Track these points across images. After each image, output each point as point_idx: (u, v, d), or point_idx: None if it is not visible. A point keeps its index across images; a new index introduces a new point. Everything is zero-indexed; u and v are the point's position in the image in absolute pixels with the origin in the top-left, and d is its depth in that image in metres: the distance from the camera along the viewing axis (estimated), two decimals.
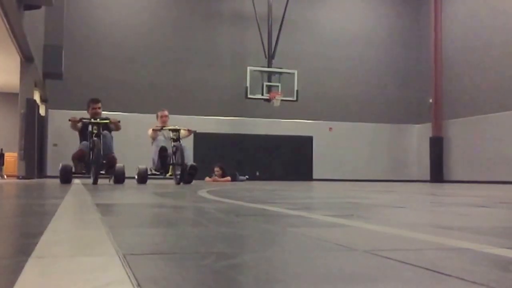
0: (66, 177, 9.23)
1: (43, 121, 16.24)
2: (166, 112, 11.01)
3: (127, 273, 0.94)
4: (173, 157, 10.09)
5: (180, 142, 10.09)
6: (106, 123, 9.17)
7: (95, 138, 8.63)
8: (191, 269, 1.02)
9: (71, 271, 0.99)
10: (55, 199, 3.54)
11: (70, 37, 17.13)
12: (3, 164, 20.02)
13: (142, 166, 10.50)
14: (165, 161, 10.23)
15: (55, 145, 16.80)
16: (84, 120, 9.07)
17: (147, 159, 10.83)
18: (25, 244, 1.37)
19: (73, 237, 1.53)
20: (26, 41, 11.92)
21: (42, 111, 16.44)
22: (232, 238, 1.55)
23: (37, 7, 12.33)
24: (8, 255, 1.27)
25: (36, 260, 1.08)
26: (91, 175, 8.61)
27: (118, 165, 9.35)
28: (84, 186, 6.95)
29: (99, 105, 9.50)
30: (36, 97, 15.15)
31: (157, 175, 10.59)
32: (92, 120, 8.97)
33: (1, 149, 20.33)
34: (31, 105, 13.76)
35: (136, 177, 10.37)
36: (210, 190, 5.55)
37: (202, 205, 3.11)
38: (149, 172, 10.47)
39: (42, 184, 8.65)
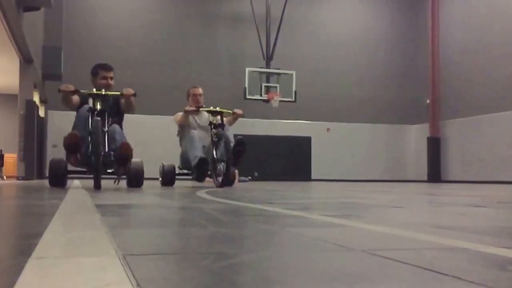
0: (57, 177, 6.62)
1: (42, 122, 16.24)
2: (200, 90, 8.47)
3: (126, 274, 0.95)
4: (214, 150, 7.59)
5: (223, 129, 7.65)
6: (116, 95, 6.41)
7: (97, 118, 5.79)
8: (190, 270, 1.03)
9: (71, 272, 0.99)
10: (54, 200, 3.55)
11: (69, 39, 17.14)
12: (2, 165, 19.98)
13: (168, 164, 8.26)
14: (203, 174, 7.63)
15: (54, 146, 16.76)
16: (82, 91, 6.24)
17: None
18: (25, 245, 1.37)
19: (72, 238, 1.53)
20: (26, 42, 11.92)
21: (41, 112, 16.44)
22: (231, 239, 1.55)
23: (36, 8, 12.32)
24: (8, 256, 1.28)
25: (36, 260, 1.09)
26: (93, 174, 5.77)
27: (134, 160, 6.44)
28: (83, 188, 6.88)
29: (112, 74, 6.72)
30: (36, 98, 15.14)
31: (186, 174, 8.34)
32: (94, 91, 6.16)
33: (1, 150, 20.30)
34: (31, 106, 13.76)
35: (160, 178, 8.26)
36: (208, 191, 5.55)
37: (201, 206, 3.12)
38: (177, 171, 8.30)
39: (41, 185, 8.56)
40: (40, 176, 15.43)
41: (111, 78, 6.64)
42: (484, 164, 17.48)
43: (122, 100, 6.62)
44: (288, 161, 19.48)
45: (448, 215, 2.61)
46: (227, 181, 7.33)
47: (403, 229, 1.82)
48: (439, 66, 19.54)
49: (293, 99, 18.07)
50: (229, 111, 8.21)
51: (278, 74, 18.13)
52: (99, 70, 6.68)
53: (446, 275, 0.98)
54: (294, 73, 18.17)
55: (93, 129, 5.70)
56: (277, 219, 2.28)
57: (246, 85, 17.59)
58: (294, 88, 18.02)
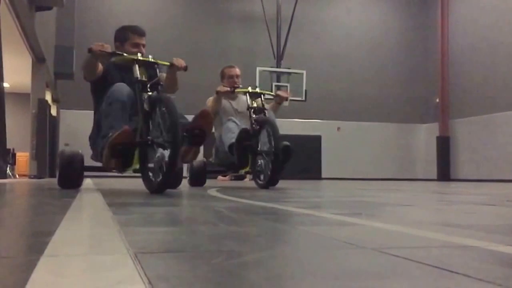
0: (71, 174, 4.96)
1: (54, 121, 16.34)
2: (237, 70, 7.04)
3: (138, 272, 0.96)
4: (254, 139, 6.11)
5: (265, 114, 6.36)
6: (165, 64, 4.92)
7: (150, 93, 4.34)
8: (201, 267, 1.03)
9: (83, 270, 1.00)
10: (66, 198, 3.57)
11: (81, 38, 17.20)
12: (14, 164, 20.11)
13: (197, 159, 6.21)
14: (244, 153, 6.15)
15: (66, 144, 16.85)
16: (125, 56, 4.66)
17: None
18: (37, 243, 1.39)
19: (84, 236, 1.54)
20: (38, 41, 11.99)
21: (53, 111, 16.54)
22: (242, 237, 1.56)
23: (48, 8, 12.41)
24: (20, 253, 1.29)
25: (48, 258, 1.10)
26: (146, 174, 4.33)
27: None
28: (96, 188, 6.86)
29: (145, 40, 5.20)
30: (48, 97, 15.25)
31: (221, 171, 7.09)
32: (139, 57, 4.59)
33: (13, 149, 20.41)
34: (43, 105, 13.85)
35: (188, 176, 6.84)
36: (219, 189, 5.56)
37: (213, 204, 3.13)
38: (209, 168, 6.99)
39: (53, 183, 8.56)
40: (52, 174, 15.53)
41: (144, 46, 5.13)
42: (494, 163, 17.40)
43: (163, 74, 5.02)
44: (299, 159, 19.42)
45: (457, 214, 2.60)
46: (274, 180, 5.79)
47: (413, 227, 1.82)
48: (449, 65, 19.45)
49: (304, 98, 18.06)
50: (271, 93, 6.89)
51: (289, 73, 18.14)
52: (130, 35, 5.11)
53: (456, 272, 0.98)
54: (304, 72, 18.17)
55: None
56: (288, 217, 2.29)
57: (257, 84, 17.59)
58: (304, 87, 18.02)
